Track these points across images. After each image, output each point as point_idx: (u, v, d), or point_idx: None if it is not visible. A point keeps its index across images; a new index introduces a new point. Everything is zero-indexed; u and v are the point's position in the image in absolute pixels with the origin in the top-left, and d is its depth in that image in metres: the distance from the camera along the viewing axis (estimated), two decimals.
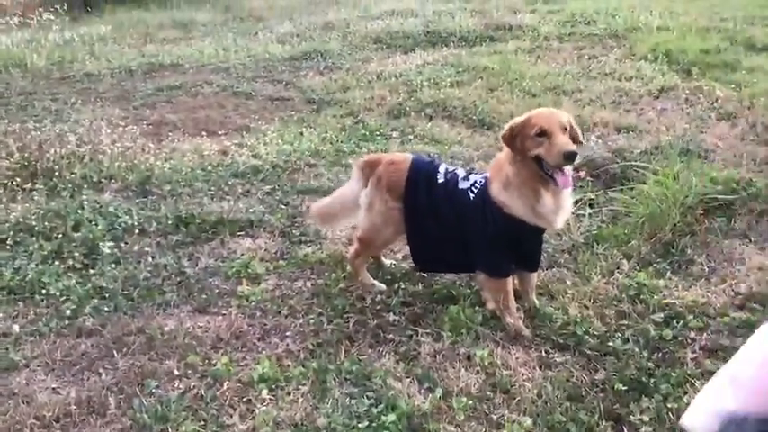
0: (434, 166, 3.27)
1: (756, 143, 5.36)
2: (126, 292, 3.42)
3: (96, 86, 8.08)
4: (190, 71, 8.79)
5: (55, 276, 3.50)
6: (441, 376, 2.74)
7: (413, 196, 3.18)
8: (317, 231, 4.04)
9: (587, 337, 2.98)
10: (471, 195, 3.05)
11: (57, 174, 4.77)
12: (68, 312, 3.20)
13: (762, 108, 6.08)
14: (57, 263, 3.62)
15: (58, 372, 2.82)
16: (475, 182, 3.09)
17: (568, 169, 2.86)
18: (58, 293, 3.35)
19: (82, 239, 3.83)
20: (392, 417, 2.47)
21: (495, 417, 2.53)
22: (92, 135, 5.49)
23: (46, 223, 3.99)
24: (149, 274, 3.59)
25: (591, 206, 4.30)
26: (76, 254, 3.70)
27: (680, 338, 2.96)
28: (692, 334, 2.98)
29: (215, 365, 2.81)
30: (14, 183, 4.62)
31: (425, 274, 3.53)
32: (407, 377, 2.74)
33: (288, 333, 3.07)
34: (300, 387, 2.68)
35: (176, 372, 2.78)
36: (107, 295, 3.38)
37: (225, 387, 2.68)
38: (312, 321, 3.15)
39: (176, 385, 2.71)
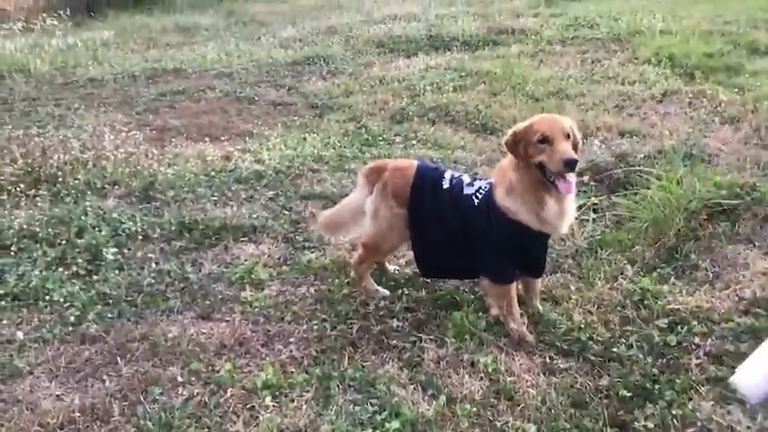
0: (440, 172, 3.27)
1: (760, 147, 5.35)
2: (130, 299, 3.42)
3: (99, 92, 8.09)
4: (193, 76, 8.82)
5: (59, 283, 3.50)
6: (444, 383, 2.74)
7: (418, 202, 3.18)
8: (321, 237, 4.04)
9: (591, 342, 2.97)
10: (476, 201, 3.05)
11: (60, 180, 4.78)
12: (72, 319, 3.21)
13: (765, 111, 6.07)
14: (60, 269, 3.62)
15: (61, 378, 2.82)
16: (479, 187, 3.09)
17: (571, 175, 2.86)
18: (61, 300, 3.36)
19: (85, 245, 3.84)
20: (396, 424, 2.47)
21: (499, 424, 2.52)
22: (95, 141, 5.49)
23: (50, 229, 4.00)
24: (153, 281, 3.60)
25: (594, 211, 4.30)
26: (80, 260, 3.70)
27: (684, 344, 2.96)
28: (697, 339, 2.98)
29: (218, 372, 2.82)
30: (18, 189, 4.62)
31: (429, 280, 3.52)
32: (411, 384, 2.74)
33: (291, 339, 3.07)
34: (304, 394, 2.68)
35: (180, 378, 2.79)
36: (111, 301, 3.39)
37: (228, 394, 2.69)
38: (315, 327, 3.15)
39: (180, 392, 2.71)
